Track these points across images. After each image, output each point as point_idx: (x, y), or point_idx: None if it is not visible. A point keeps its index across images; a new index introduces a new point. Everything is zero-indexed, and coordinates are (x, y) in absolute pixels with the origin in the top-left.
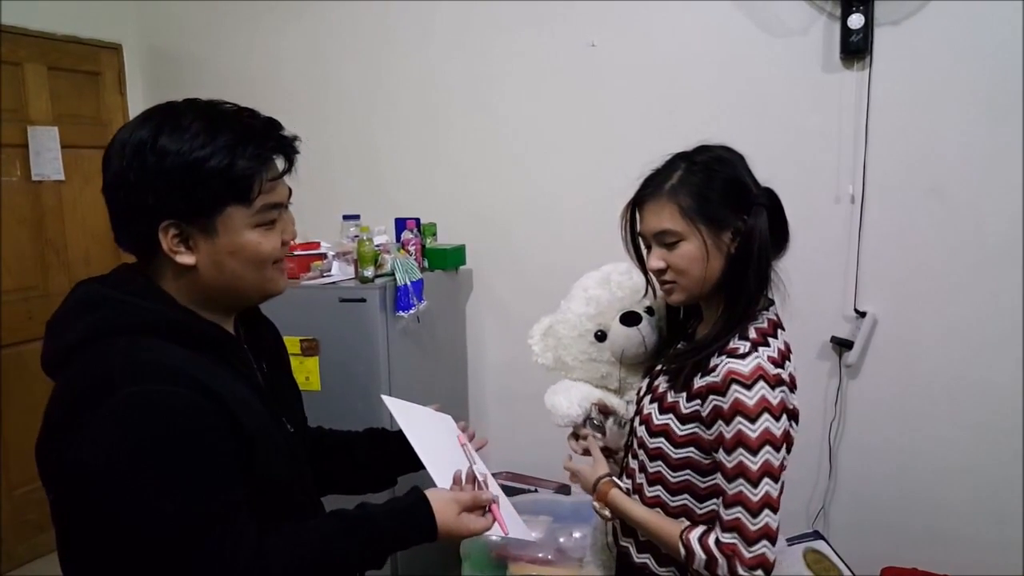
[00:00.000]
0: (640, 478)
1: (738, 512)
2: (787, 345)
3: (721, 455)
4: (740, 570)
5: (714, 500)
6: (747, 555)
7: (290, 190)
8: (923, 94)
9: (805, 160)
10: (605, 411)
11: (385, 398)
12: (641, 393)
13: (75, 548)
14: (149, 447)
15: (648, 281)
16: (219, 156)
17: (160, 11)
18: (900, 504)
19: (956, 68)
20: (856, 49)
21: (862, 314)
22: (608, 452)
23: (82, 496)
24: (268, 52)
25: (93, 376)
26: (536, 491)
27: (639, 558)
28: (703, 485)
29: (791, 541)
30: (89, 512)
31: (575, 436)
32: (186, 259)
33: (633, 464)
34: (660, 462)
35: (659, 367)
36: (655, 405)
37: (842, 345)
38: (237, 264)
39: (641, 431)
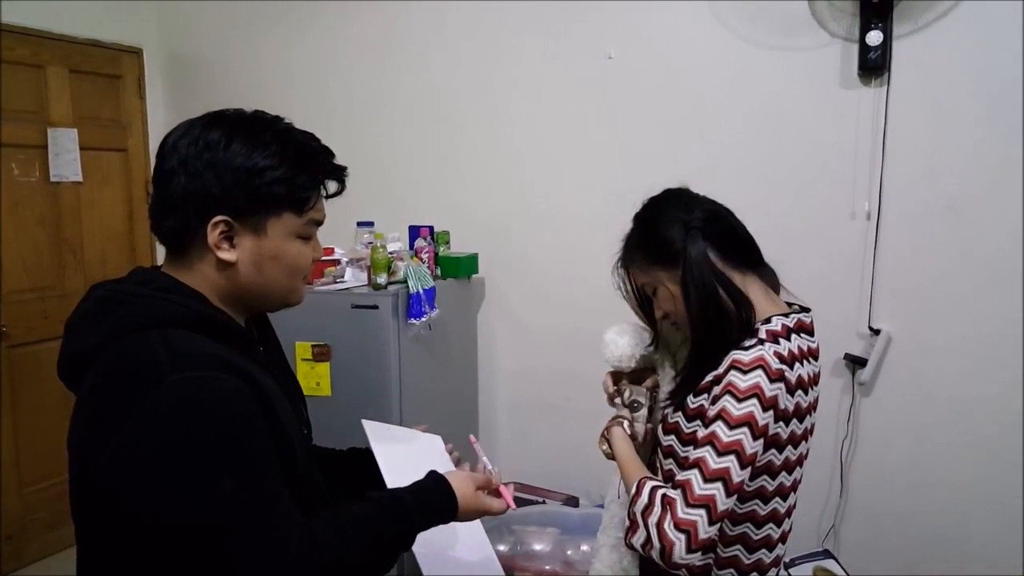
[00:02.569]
0: (659, 476)
1: (692, 474)
2: (805, 349)
3: (699, 431)
4: (666, 525)
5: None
6: (680, 515)
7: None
8: (941, 111)
9: (821, 176)
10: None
11: (364, 422)
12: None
13: (113, 542)
14: (202, 433)
15: (655, 331)
16: (285, 167)
17: (180, 16)
18: (912, 524)
19: (974, 85)
20: (874, 65)
21: (876, 331)
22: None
23: (134, 485)
24: (285, 58)
25: (133, 367)
26: (544, 503)
27: None
28: None
29: (800, 559)
30: (140, 501)
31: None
32: (228, 255)
33: (655, 461)
34: (671, 460)
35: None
36: (671, 407)
37: (856, 362)
38: (276, 268)
39: (659, 429)
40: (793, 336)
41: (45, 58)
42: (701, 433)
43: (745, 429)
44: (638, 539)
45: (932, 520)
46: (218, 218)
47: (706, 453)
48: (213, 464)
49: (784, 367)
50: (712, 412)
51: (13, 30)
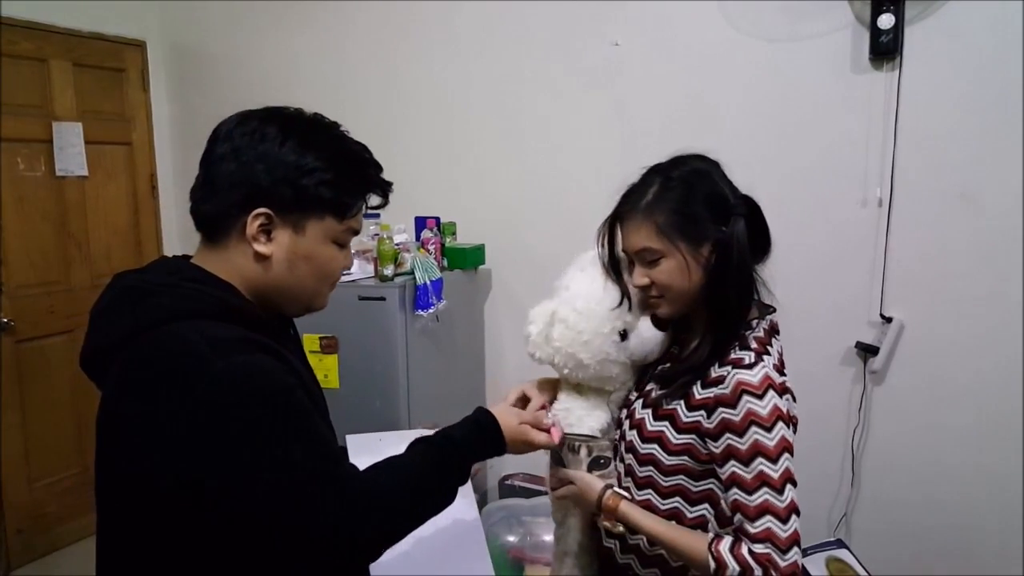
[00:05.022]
0: (627, 481)
1: (768, 522)
2: (781, 351)
3: (735, 467)
4: None
5: (705, 505)
6: (782, 563)
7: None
8: (953, 95)
9: (832, 163)
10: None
11: (348, 437)
12: (632, 397)
13: (152, 528)
14: (262, 410)
15: (624, 294)
16: (335, 172)
17: (184, 9)
18: (924, 512)
19: (988, 70)
20: (886, 50)
21: (888, 319)
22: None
23: (198, 467)
24: (289, 50)
25: (173, 357)
26: None
27: (622, 559)
28: (695, 490)
29: (812, 549)
30: (205, 483)
31: (559, 464)
32: (264, 248)
33: (620, 467)
34: (651, 467)
35: (651, 371)
36: (648, 411)
37: (867, 351)
38: (307, 269)
39: (632, 436)
40: (773, 340)
41: (48, 52)
42: (736, 470)
43: (786, 454)
44: None
45: (944, 509)
46: (260, 210)
47: (768, 496)
48: (283, 436)
49: (784, 379)
50: (744, 448)
51: (16, 24)
